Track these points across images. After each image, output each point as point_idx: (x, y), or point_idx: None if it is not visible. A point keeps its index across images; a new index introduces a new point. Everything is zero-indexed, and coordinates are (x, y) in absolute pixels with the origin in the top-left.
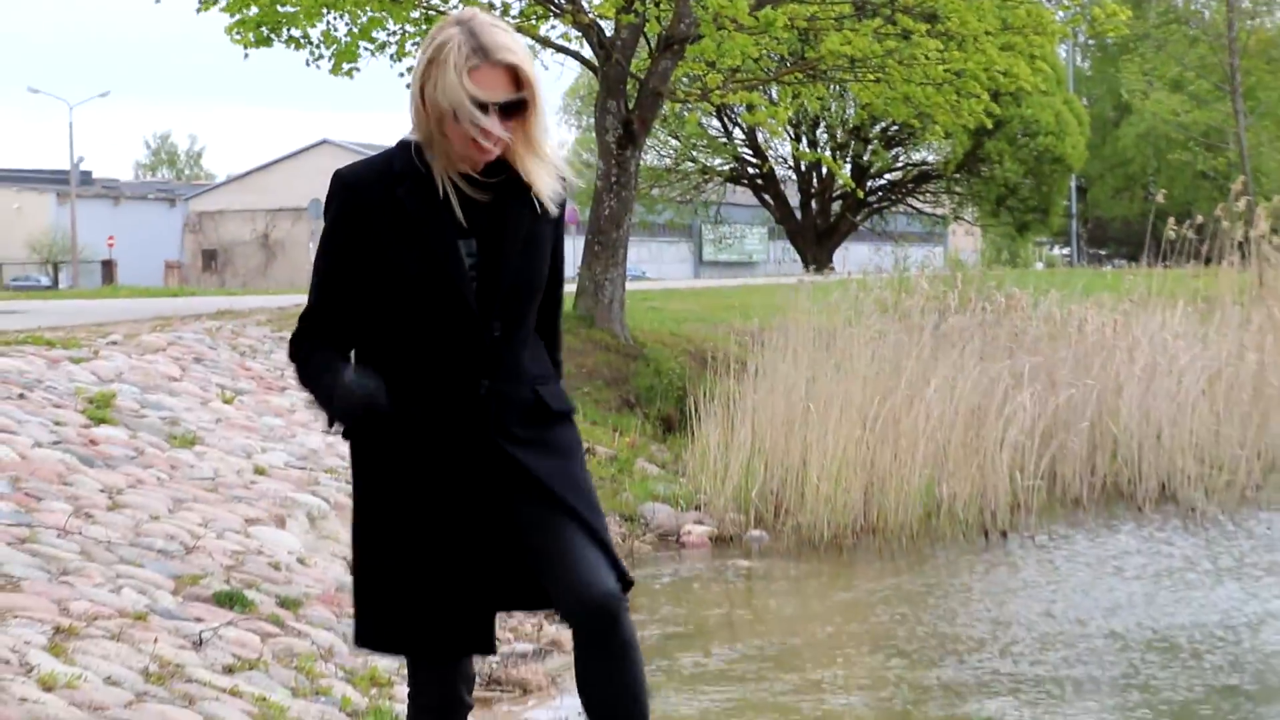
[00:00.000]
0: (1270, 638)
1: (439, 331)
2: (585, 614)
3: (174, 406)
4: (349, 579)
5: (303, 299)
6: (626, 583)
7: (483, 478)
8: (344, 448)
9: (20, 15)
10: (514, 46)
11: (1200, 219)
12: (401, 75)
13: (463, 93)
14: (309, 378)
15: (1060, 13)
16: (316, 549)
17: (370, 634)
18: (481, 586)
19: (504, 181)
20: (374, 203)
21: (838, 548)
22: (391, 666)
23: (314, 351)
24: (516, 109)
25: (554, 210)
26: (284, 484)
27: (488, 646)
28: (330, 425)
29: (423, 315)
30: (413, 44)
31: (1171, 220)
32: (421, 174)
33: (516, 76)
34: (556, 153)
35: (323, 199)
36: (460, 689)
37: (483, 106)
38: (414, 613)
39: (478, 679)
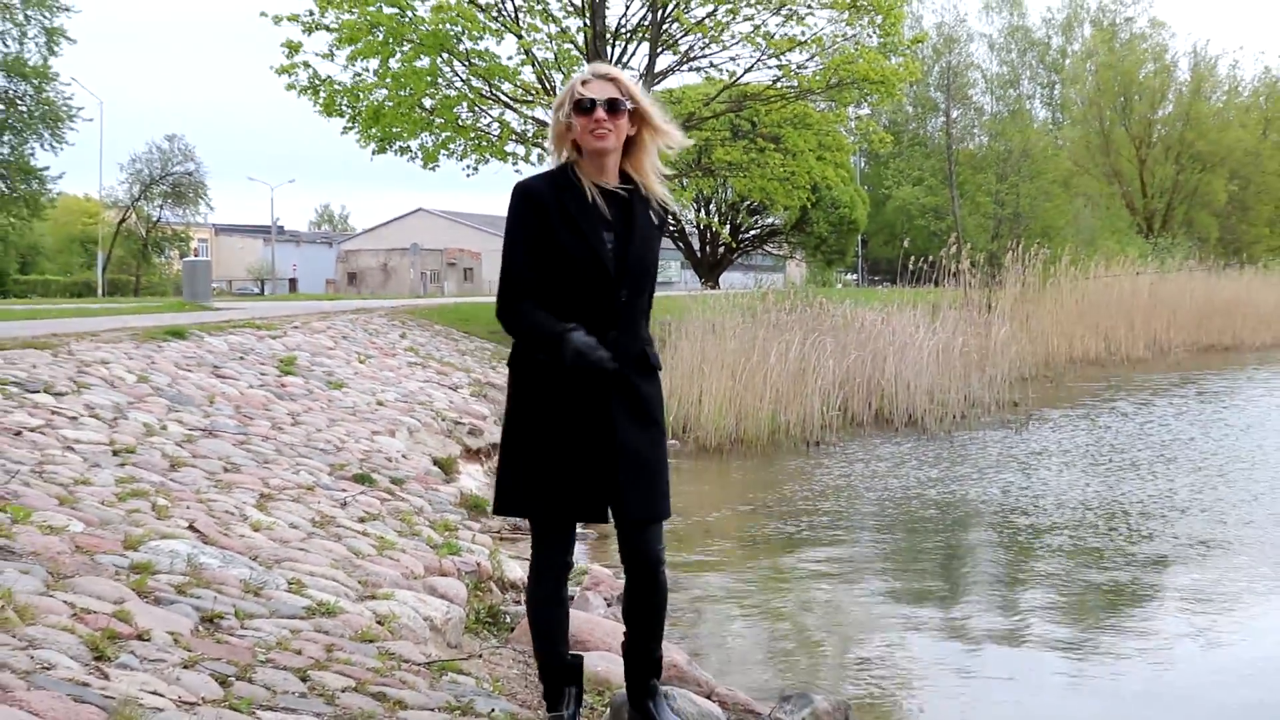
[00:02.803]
0: (964, 494)
1: (586, 293)
2: (639, 556)
3: (330, 365)
4: (434, 468)
5: (403, 302)
6: (665, 512)
7: (602, 403)
8: (431, 391)
9: (243, 129)
10: (617, 73)
11: (931, 259)
12: (465, 168)
13: (574, 95)
14: (536, 326)
15: (851, 137)
16: (413, 450)
17: (505, 505)
18: (589, 477)
19: (631, 192)
20: (543, 203)
21: (720, 451)
22: (455, 519)
23: (533, 311)
24: (618, 108)
25: (661, 216)
26: (394, 411)
27: (598, 517)
28: (561, 359)
29: (576, 281)
30: (471, 150)
31: (907, 257)
32: (576, 185)
33: (619, 89)
34: (653, 176)
35: (420, 245)
36: (566, 553)
37: (591, 103)
38: (545, 489)
39: (507, 525)
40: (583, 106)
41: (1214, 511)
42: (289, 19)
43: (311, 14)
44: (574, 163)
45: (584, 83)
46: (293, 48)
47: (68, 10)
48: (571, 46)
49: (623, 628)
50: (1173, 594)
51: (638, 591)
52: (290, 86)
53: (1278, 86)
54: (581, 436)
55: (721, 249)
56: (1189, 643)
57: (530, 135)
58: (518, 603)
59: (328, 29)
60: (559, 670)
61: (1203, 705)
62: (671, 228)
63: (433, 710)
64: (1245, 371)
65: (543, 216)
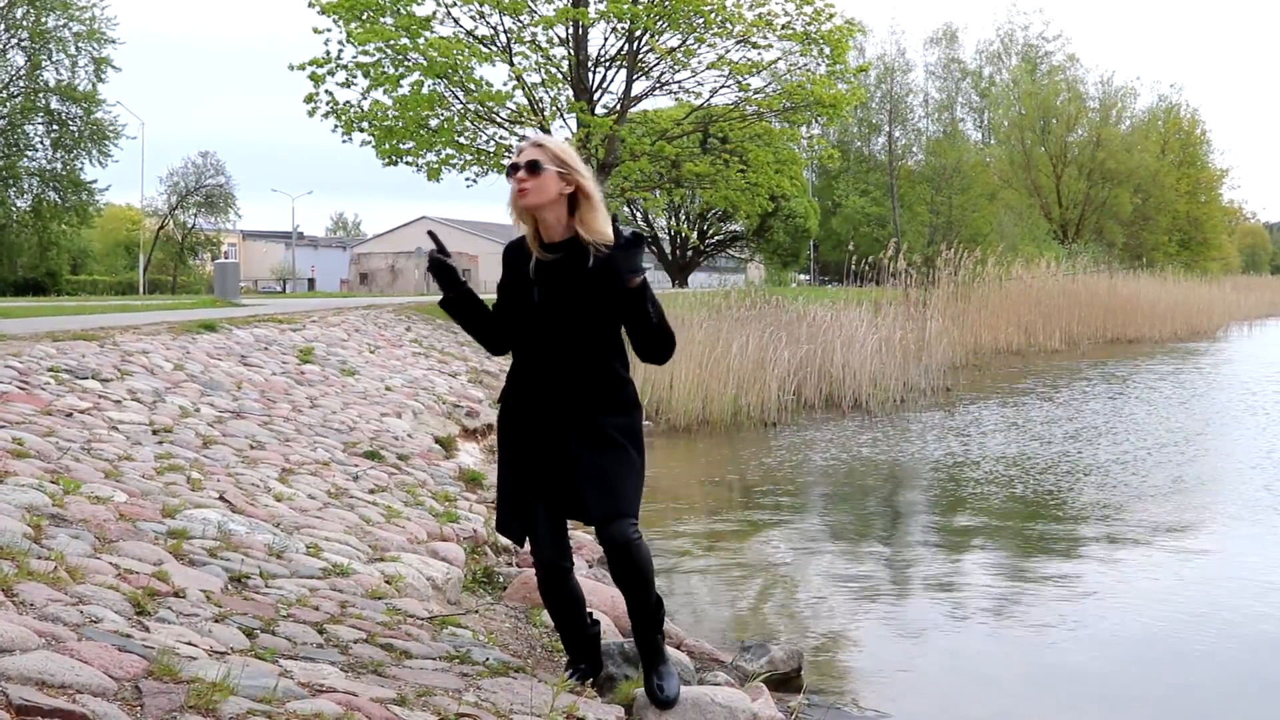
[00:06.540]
0: (904, 465)
1: (528, 339)
2: (609, 545)
3: (344, 354)
4: (436, 446)
5: (408, 299)
6: (631, 512)
7: (552, 428)
8: (433, 378)
9: (267, 146)
10: (546, 140)
11: (874, 261)
12: (465, 180)
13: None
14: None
15: (804, 154)
16: (417, 430)
17: (503, 527)
18: (558, 488)
19: (567, 250)
20: (508, 261)
21: (689, 431)
22: (454, 491)
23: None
24: (536, 168)
25: (609, 257)
26: (400, 395)
27: (581, 517)
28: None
29: (520, 329)
30: (471, 164)
31: (853, 260)
32: (524, 248)
33: (543, 153)
34: (604, 226)
35: (424, 248)
36: (562, 545)
37: (515, 167)
38: (522, 506)
39: None
40: (509, 171)
41: (1117, 470)
42: (311, 62)
43: (328, 54)
44: (529, 229)
45: (518, 153)
46: (316, 80)
47: (114, 42)
48: (556, 71)
49: (604, 587)
50: (1085, 541)
51: (615, 567)
52: (312, 112)
53: (1171, 114)
54: (545, 458)
55: (690, 252)
56: (1100, 582)
57: (516, 145)
58: (510, 565)
59: (345, 68)
60: (578, 641)
61: (1110, 636)
62: (647, 236)
63: (435, 659)
64: (1143, 360)
65: (504, 272)
